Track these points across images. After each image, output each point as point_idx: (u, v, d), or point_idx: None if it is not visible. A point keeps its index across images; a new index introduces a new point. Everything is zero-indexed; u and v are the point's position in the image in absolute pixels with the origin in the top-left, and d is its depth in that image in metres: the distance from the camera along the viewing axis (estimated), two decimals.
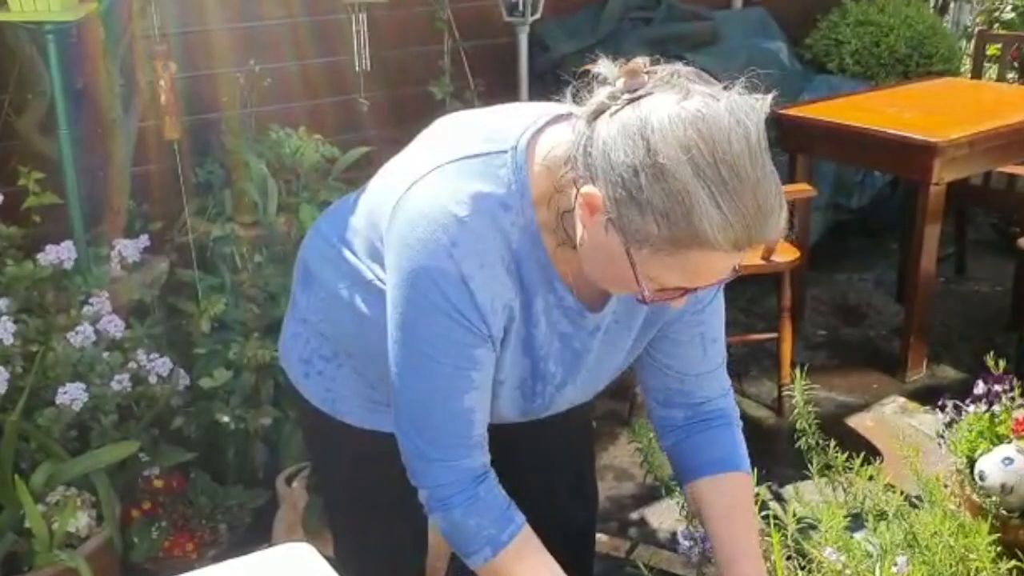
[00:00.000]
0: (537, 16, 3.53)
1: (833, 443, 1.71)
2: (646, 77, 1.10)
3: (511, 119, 1.24)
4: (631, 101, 1.09)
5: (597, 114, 1.11)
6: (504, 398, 1.31)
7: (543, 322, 1.26)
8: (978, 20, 5.15)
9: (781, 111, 3.49)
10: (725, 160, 1.04)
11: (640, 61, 1.12)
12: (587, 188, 1.10)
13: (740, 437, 1.48)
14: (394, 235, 1.21)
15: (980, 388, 1.87)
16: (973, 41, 4.42)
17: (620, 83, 1.11)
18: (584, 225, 1.14)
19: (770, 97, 1.11)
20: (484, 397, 1.25)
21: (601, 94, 1.11)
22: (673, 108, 1.06)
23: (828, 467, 1.69)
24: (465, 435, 1.25)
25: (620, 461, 2.87)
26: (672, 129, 1.04)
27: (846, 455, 1.68)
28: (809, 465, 1.73)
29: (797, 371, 1.71)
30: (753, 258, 2.96)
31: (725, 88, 1.10)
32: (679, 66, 1.12)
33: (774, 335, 3.07)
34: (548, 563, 1.29)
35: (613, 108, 1.09)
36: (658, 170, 1.04)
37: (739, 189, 1.04)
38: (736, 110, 1.06)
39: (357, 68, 3.34)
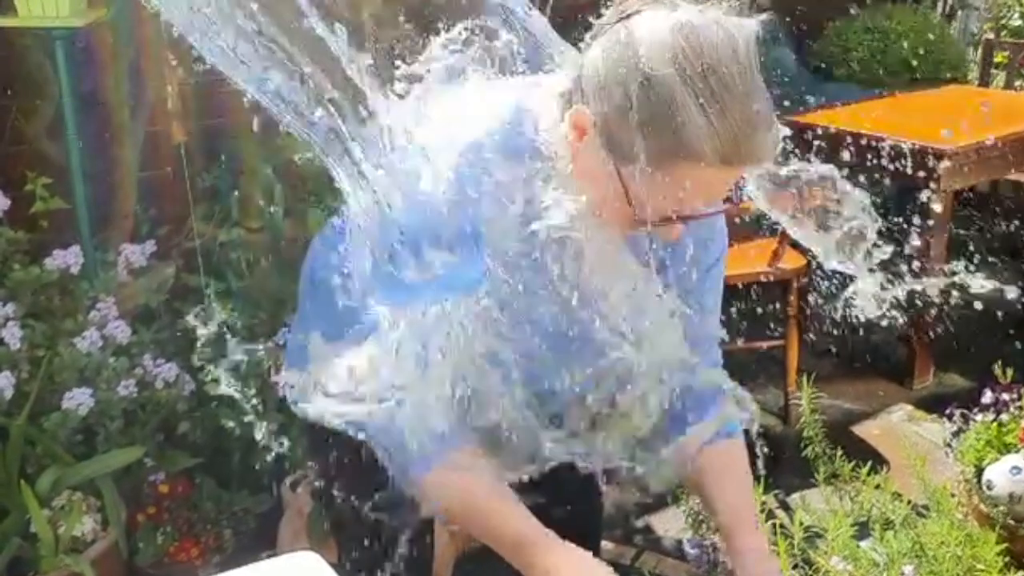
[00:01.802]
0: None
1: (840, 451, 1.70)
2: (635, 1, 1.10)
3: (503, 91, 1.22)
4: (619, 20, 1.09)
5: (589, 42, 1.11)
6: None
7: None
8: (985, 27, 5.14)
9: (788, 118, 3.49)
10: (713, 69, 1.03)
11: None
12: (576, 108, 1.10)
13: (732, 404, 1.44)
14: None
15: (988, 397, 1.86)
16: (980, 48, 4.42)
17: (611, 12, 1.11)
18: (576, 152, 1.13)
19: (762, 17, 1.10)
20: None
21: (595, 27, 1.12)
22: (661, 20, 1.05)
23: (835, 476, 1.68)
24: None
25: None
26: (659, 39, 1.04)
27: (852, 464, 1.67)
28: (816, 473, 1.72)
29: (804, 379, 1.70)
30: (760, 265, 2.95)
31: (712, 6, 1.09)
32: None
33: (780, 342, 3.07)
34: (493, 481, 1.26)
35: (604, 30, 1.10)
36: (644, 79, 1.03)
37: (727, 99, 1.03)
38: (725, 23, 1.06)
39: None
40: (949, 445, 1.84)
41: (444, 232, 1.13)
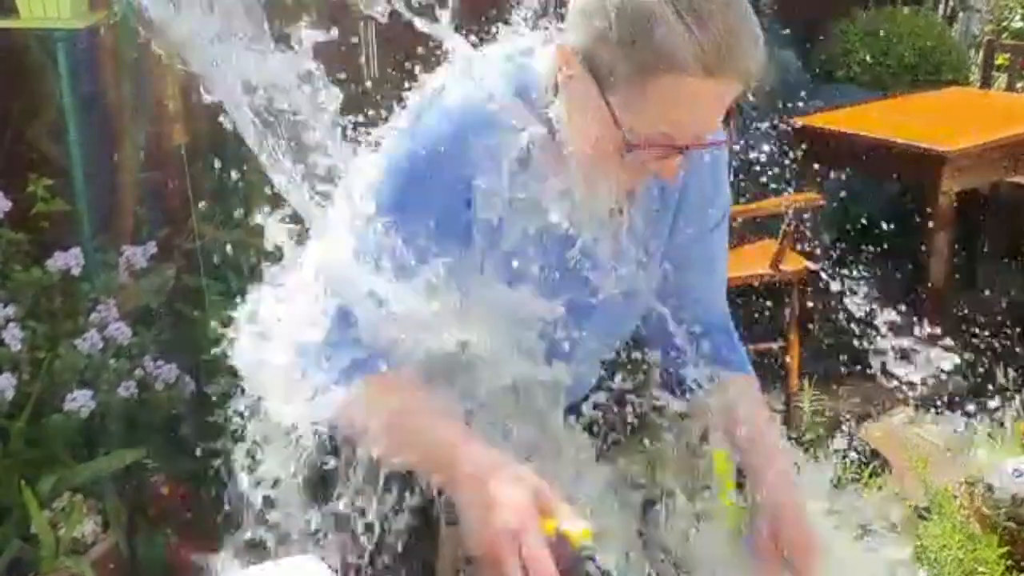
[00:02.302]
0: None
1: (841, 454, 1.70)
2: None
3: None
4: None
5: None
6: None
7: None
8: (987, 30, 5.14)
9: (790, 120, 3.49)
10: None
11: None
12: (559, 43, 1.11)
13: (740, 343, 1.46)
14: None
15: (992, 400, 1.86)
16: (982, 51, 4.42)
17: None
18: (565, 87, 1.13)
19: None
20: None
21: None
22: None
23: (837, 478, 1.68)
24: None
25: (624, 471, 2.85)
26: None
27: (855, 467, 1.67)
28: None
29: (805, 382, 1.70)
30: (762, 267, 2.95)
31: None
32: None
33: (782, 344, 3.06)
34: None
35: None
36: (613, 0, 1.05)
37: (705, 8, 1.04)
38: None
39: (365, 76, 3.34)
40: (951, 449, 1.84)
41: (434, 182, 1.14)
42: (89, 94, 2.60)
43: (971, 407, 1.96)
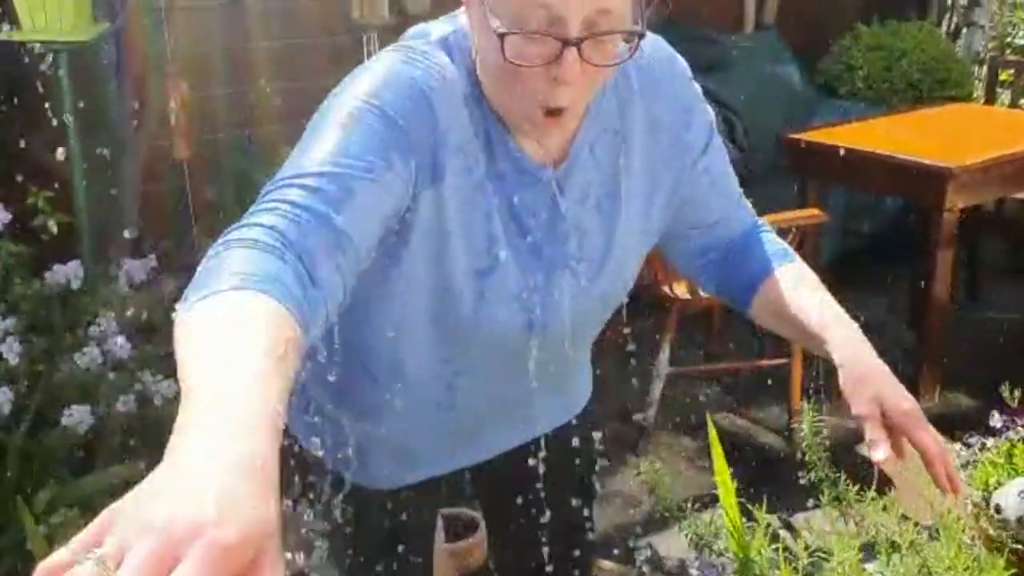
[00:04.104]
0: None
1: (843, 474, 1.68)
2: None
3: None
4: None
5: None
6: (495, 288, 1.18)
7: (502, 189, 1.15)
8: (990, 46, 5.15)
9: (792, 135, 3.48)
10: None
11: None
12: None
13: (776, 237, 1.36)
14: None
15: (996, 420, 1.84)
16: (986, 67, 4.42)
17: None
18: (469, 28, 1.11)
19: None
20: (364, 221, 1.01)
21: None
22: None
23: (839, 499, 1.66)
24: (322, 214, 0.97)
25: (627, 487, 2.84)
26: None
27: (857, 486, 1.65)
28: (821, 496, 1.70)
29: (805, 403, 1.69)
30: None
31: None
32: None
33: (784, 360, 3.05)
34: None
35: None
36: None
37: None
38: None
39: None
40: (964, 465, 1.82)
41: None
42: (91, 106, 2.60)
43: (976, 425, 1.94)
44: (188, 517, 0.58)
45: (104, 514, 0.59)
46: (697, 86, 1.29)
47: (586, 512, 1.66)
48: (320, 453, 1.34)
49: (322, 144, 1.03)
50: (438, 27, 1.17)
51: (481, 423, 1.37)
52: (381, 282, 1.16)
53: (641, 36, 1.08)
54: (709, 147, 1.28)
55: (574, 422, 1.49)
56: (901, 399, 1.18)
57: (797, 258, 1.33)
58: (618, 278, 1.27)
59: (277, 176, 1.02)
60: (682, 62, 1.27)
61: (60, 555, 0.57)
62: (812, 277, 1.31)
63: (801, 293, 1.27)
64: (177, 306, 0.84)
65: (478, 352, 1.24)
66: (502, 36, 1.02)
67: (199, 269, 0.89)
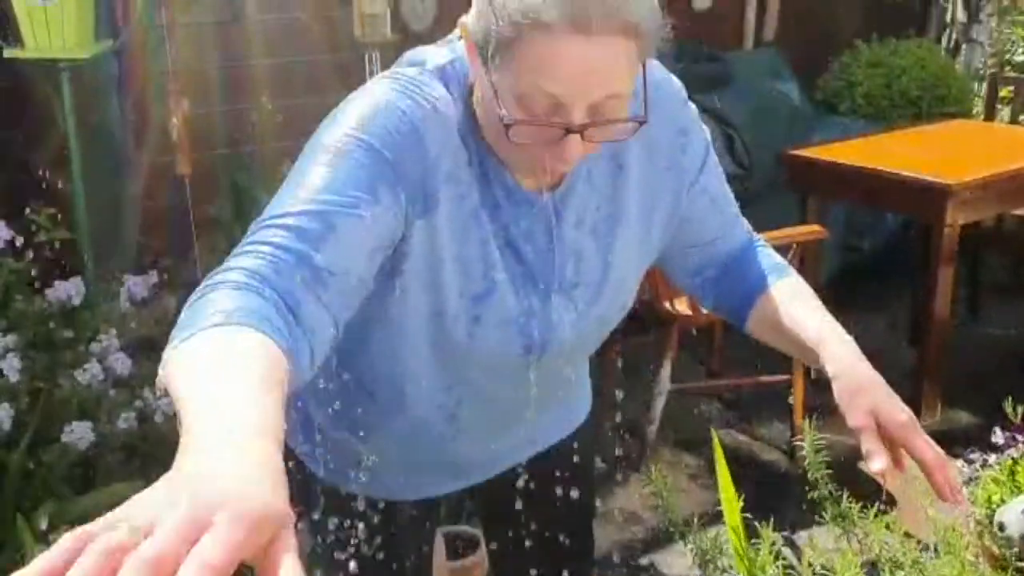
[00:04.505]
0: None
1: (846, 492, 1.68)
2: None
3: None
4: None
5: None
6: (491, 312, 1.17)
7: (496, 216, 1.15)
8: (989, 62, 5.16)
9: (792, 152, 3.49)
10: None
11: None
12: (462, 18, 1.07)
13: (773, 252, 1.36)
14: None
15: (998, 436, 1.84)
16: (986, 83, 4.43)
17: None
18: (471, 71, 1.09)
19: None
20: (347, 255, 1.01)
21: None
22: None
23: (842, 516, 1.65)
24: (303, 253, 0.98)
25: (630, 504, 2.83)
26: None
27: (861, 504, 1.65)
28: (824, 512, 1.69)
29: (806, 421, 1.68)
30: None
31: None
32: None
33: (786, 377, 3.04)
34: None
35: None
36: None
37: None
38: None
39: None
40: (966, 482, 1.81)
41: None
42: (93, 123, 2.61)
43: (979, 442, 1.94)
44: (212, 492, 0.59)
45: (107, 516, 0.59)
46: (693, 106, 1.28)
47: (586, 528, 1.66)
48: (314, 468, 1.35)
49: (307, 181, 1.03)
50: (435, 54, 1.16)
51: (484, 446, 1.37)
52: (378, 307, 1.16)
53: (643, 122, 1.06)
54: (705, 166, 1.28)
55: (574, 438, 1.49)
56: (897, 410, 1.17)
57: (794, 273, 1.34)
58: (616, 300, 1.27)
59: (264, 214, 1.03)
60: (677, 83, 1.27)
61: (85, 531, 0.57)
62: (808, 291, 1.31)
63: (797, 307, 1.28)
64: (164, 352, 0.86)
65: (477, 376, 1.24)
66: (507, 125, 1.02)
67: (183, 311, 0.91)
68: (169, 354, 0.85)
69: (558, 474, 1.47)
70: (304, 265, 0.97)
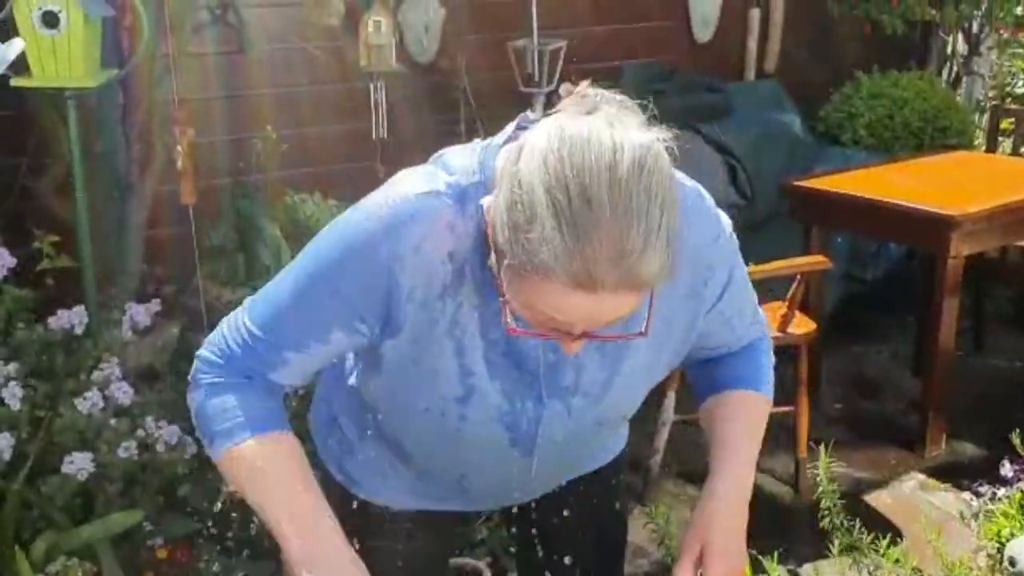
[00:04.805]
0: (553, 87, 3.56)
1: (857, 523, 1.66)
2: (573, 97, 1.05)
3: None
4: (543, 117, 1.04)
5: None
6: (476, 410, 1.20)
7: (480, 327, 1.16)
8: (990, 94, 5.19)
9: (795, 182, 3.49)
10: (582, 187, 0.94)
11: (576, 87, 1.06)
12: (487, 198, 1.07)
13: (764, 360, 1.39)
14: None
15: (1007, 469, 1.82)
16: (987, 115, 4.44)
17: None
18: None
19: (668, 137, 1.01)
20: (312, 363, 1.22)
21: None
22: (555, 125, 0.99)
23: (852, 548, 1.63)
24: (284, 361, 1.19)
25: (634, 537, 2.78)
26: (542, 145, 0.98)
27: (871, 537, 1.63)
28: (830, 546, 1.67)
29: (821, 448, 1.67)
30: (769, 330, 2.92)
31: (648, 122, 1.02)
32: (607, 93, 1.04)
33: (790, 408, 3.02)
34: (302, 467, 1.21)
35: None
36: (516, 181, 0.98)
37: (589, 221, 0.94)
38: (616, 137, 0.97)
39: (375, 136, 3.36)
40: (974, 516, 1.79)
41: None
42: (97, 152, 2.61)
43: (983, 475, 1.92)
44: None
45: None
46: (728, 244, 1.25)
47: (614, 558, 1.65)
48: (332, 471, 1.42)
49: (279, 301, 1.19)
50: (461, 164, 1.14)
51: (495, 492, 1.39)
52: (375, 390, 1.26)
53: (642, 333, 1.08)
54: (726, 293, 1.26)
55: (603, 472, 1.49)
56: (723, 556, 1.26)
57: (764, 386, 1.38)
58: (616, 409, 1.30)
59: (255, 297, 1.23)
60: (712, 217, 1.23)
61: None
62: (756, 415, 1.37)
63: (729, 427, 1.34)
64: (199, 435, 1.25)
65: (479, 456, 1.27)
66: (513, 331, 1.06)
67: (200, 412, 1.23)
68: (221, 453, 1.19)
69: (586, 502, 1.48)
70: (262, 378, 1.20)
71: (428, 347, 1.15)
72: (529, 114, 1.17)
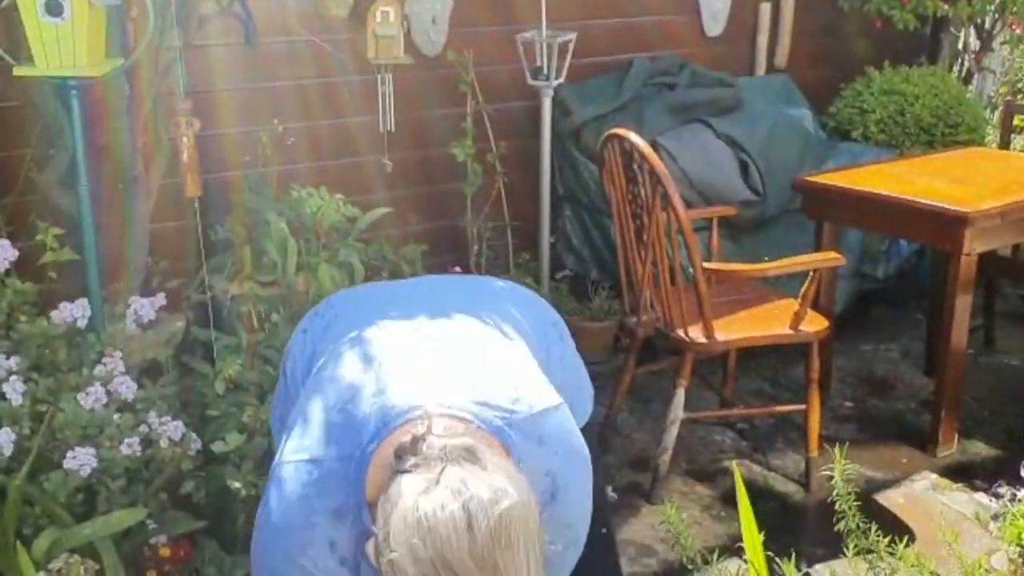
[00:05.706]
0: (560, 80, 3.53)
1: (873, 525, 1.63)
2: (421, 446, 1.11)
3: (371, 411, 1.25)
4: (397, 473, 1.10)
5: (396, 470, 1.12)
6: None
7: None
8: (1002, 91, 5.14)
9: (807, 178, 3.45)
10: (447, 564, 1.02)
11: (423, 427, 1.14)
12: (374, 535, 1.12)
13: None
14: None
15: None
16: (1000, 111, 4.39)
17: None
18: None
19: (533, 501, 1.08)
20: None
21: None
22: (411, 507, 1.05)
23: (869, 551, 1.60)
24: None
25: (642, 536, 2.77)
26: (403, 531, 1.04)
27: (888, 539, 1.60)
28: (843, 545, 1.65)
29: (836, 450, 1.64)
30: (781, 328, 2.89)
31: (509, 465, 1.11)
32: (451, 443, 1.10)
33: (801, 407, 2.99)
34: None
35: (394, 470, 1.11)
36: (388, 562, 1.05)
37: None
38: (474, 508, 1.03)
39: (382, 129, 3.33)
40: (994, 517, 1.76)
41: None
42: (102, 143, 2.58)
43: (995, 474, 1.89)
44: None
45: None
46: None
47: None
48: None
49: None
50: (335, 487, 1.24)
51: None
52: None
53: None
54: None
55: None
56: None
57: None
58: None
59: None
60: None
61: None
62: None
63: None
64: None
65: None
66: None
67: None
68: None
69: None
70: None
71: None
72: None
